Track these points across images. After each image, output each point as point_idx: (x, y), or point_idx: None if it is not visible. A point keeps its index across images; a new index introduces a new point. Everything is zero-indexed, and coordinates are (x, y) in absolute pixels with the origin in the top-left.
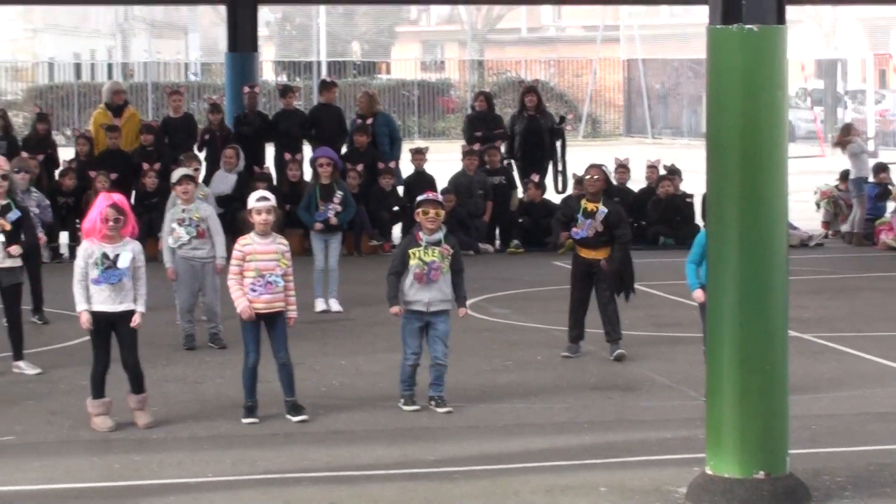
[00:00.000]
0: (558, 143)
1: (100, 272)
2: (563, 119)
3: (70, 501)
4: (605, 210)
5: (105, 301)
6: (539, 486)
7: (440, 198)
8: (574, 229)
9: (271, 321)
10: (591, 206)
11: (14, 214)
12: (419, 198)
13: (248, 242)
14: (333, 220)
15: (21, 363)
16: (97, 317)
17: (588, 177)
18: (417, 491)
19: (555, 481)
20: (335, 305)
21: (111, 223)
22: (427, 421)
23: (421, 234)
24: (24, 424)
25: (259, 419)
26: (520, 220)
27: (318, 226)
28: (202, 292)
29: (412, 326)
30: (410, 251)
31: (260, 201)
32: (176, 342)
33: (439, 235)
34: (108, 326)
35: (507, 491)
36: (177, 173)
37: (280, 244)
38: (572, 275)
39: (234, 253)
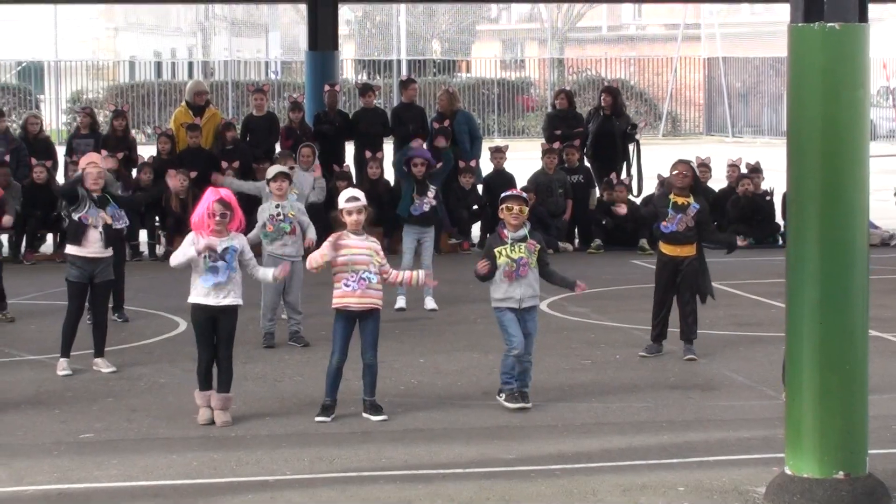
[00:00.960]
0: (632, 147)
1: (206, 267)
2: (634, 127)
3: (148, 499)
4: (698, 205)
5: (208, 295)
6: (617, 485)
7: (524, 194)
8: (663, 223)
9: (364, 320)
10: (681, 201)
11: (113, 208)
12: (503, 194)
13: (343, 237)
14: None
15: (99, 360)
16: (200, 310)
17: (676, 172)
18: (494, 490)
19: (633, 481)
20: (430, 303)
21: (218, 218)
22: (505, 419)
23: (505, 231)
24: (103, 422)
25: (332, 419)
26: (603, 222)
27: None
28: (286, 291)
29: (509, 315)
30: (496, 249)
31: (350, 201)
32: (256, 340)
33: (524, 231)
34: (210, 320)
35: (584, 490)
36: (272, 170)
37: (373, 242)
38: (657, 273)
39: (330, 237)
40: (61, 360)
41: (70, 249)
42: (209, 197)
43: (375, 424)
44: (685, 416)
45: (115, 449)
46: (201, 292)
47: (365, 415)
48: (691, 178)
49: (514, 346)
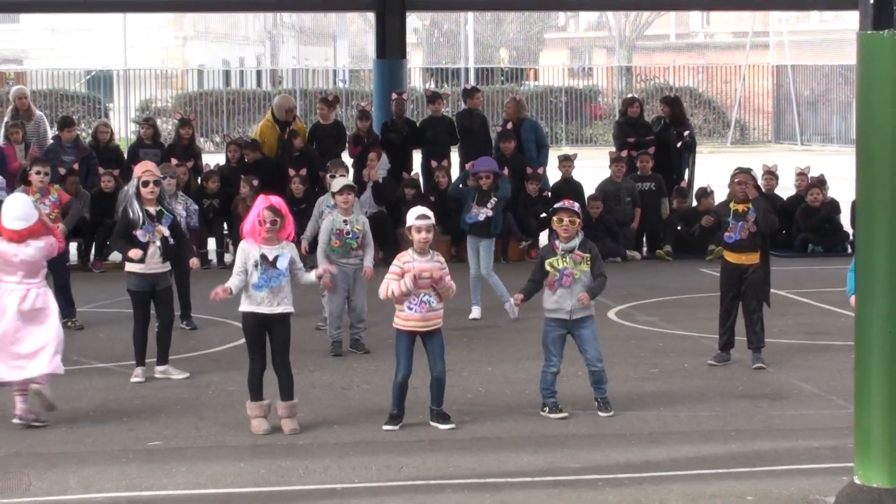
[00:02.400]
0: (688, 156)
1: (259, 275)
2: (680, 136)
3: None
4: (755, 209)
5: (262, 303)
6: (684, 494)
7: (576, 206)
8: (726, 234)
9: (428, 337)
10: (741, 208)
11: (167, 220)
12: (555, 206)
13: (407, 260)
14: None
15: (168, 367)
16: (253, 318)
17: (736, 181)
18: (561, 499)
19: (700, 490)
20: (514, 312)
21: (268, 225)
22: (573, 428)
23: (557, 242)
24: (171, 429)
25: (399, 427)
26: (678, 228)
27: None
28: (350, 298)
29: (554, 334)
30: (547, 261)
31: (420, 219)
32: (323, 348)
33: (575, 243)
34: (263, 328)
35: (652, 499)
36: (338, 183)
37: (437, 261)
38: (721, 281)
39: (393, 267)
40: (136, 368)
41: (128, 266)
42: (260, 204)
43: (443, 433)
44: (753, 425)
45: (182, 456)
46: (254, 300)
47: (432, 423)
48: (753, 187)
49: (552, 365)
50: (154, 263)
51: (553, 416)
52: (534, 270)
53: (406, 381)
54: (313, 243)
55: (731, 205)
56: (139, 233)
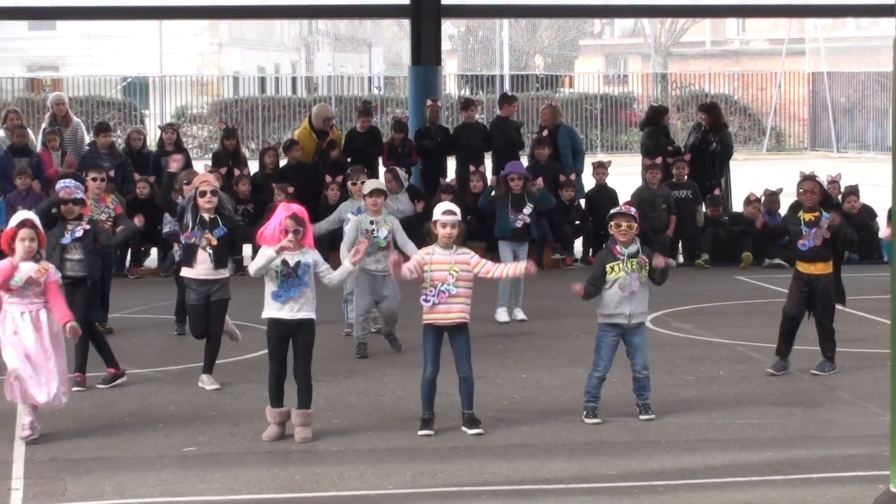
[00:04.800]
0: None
1: (279, 283)
2: (709, 144)
3: None
4: (828, 215)
5: (282, 309)
6: (720, 501)
7: (633, 210)
8: (800, 242)
9: (453, 334)
10: (811, 216)
11: (220, 231)
12: (611, 211)
13: (429, 252)
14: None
15: (204, 377)
16: (275, 324)
17: (803, 190)
18: None
19: (736, 497)
20: (520, 314)
21: (291, 234)
22: (607, 435)
23: (617, 247)
24: (206, 435)
25: (435, 431)
26: (718, 228)
27: (518, 222)
28: (381, 303)
29: (608, 339)
30: (609, 265)
31: (446, 214)
32: (368, 355)
33: (635, 247)
34: (285, 335)
35: None
36: (369, 185)
37: (462, 254)
38: (791, 288)
39: (415, 255)
40: (202, 376)
41: (183, 272)
42: (282, 213)
43: (478, 439)
44: (789, 432)
45: (217, 462)
46: (274, 307)
47: (463, 428)
48: (819, 195)
49: (599, 369)
50: (205, 269)
51: (588, 420)
52: (594, 275)
53: (434, 379)
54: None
55: (801, 214)
56: (185, 236)
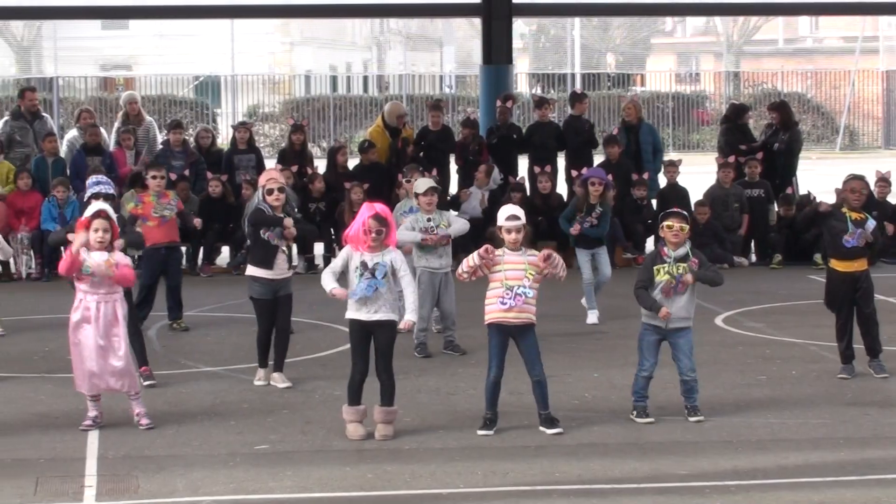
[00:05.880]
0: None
1: (358, 283)
2: (770, 146)
3: None
4: (874, 221)
5: (360, 310)
6: (793, 502)
7: (685, 212)
8: (846, 238)
9: (521, 335)
10: (858, 216)
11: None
12: (664, 212)
13: (499, 253)
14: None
15: (276, 375)
16: (355, 324)
17: (851, 189)
18: None
19: (809, 498)
20: (593, 317)
21: (374, 234)
22: (679, 435)
23: (666, 249)
24: (278, 433)
25: (495, 432)
26: (788, 227)
27: (575, 229)
28: (439, 301)
29: (650, 339)
30: (655, 267)
31: (510, 220)
32: (432, 353)
33: (685, 250)
34: (366, 334)
35: None
36: (423, 183)
37: (531, 255)
38: (833, 293)
39: (481, 249)
40: (259, 370)
41: (252, 271)
42: (365, 212)
43: (549, 438)
44: (862, 432)
45: (289, 460)
46: (353, 307)
47: (541, 428)
48: (867, 196)
49: (644, 369)
50: (281, 270)
51: (640, 420)
52: (642, 278)
53: (498, 381)
54: None
55: (846, 211)
56: (268, 235)
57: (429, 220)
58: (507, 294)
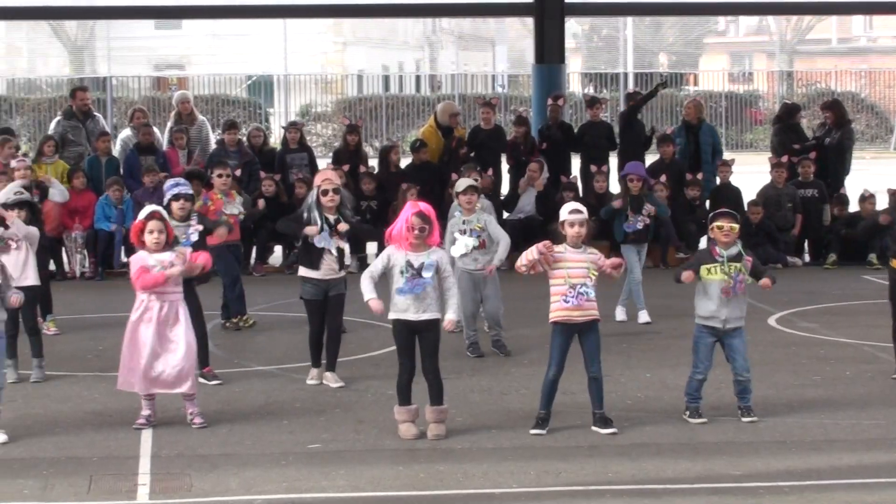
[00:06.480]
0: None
1: (404, 281)
2: (822, 142)
3: None
4: None
5: (408, 310)
6: (847, 502)
7: (733, 211)
8: None
9: (585, 332)
10: None
11: (343, 228)
12: (715, 212)
13: (560, 251)
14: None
15: (329, 375)
16: (401, 325)
17: None
18: None
19: (863, 499)
20: (644, 317)
21: (417, 232)
22: (732, 435)
23: (717, 248)
24: (330, 432)
25: (547, 431)
26: (842, 232)
27: (639, 223)
28: (483, 301)
29: (706, 342)
30: (704, 266)
31: (573, 214)
32: (484, 353)
33: (736, 249)
34: (412, 334)
35: None
36: (462, 183)
37: (591, 254)
38: (892, 293)
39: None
40: (312, 370)
41: (303, 272)
42: (408, 210)
43: (602, 438)
44: None
45: (342, 460)
46: (399, 307)
47: (594, 428)
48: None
49: (699, 372)
50: (329, 271)
51: (693, 420)
52: (688, 264)
53: (556, 380)
54: None
55: None
56: (316, 239)
57: (464, 222)
58: (570, 292)
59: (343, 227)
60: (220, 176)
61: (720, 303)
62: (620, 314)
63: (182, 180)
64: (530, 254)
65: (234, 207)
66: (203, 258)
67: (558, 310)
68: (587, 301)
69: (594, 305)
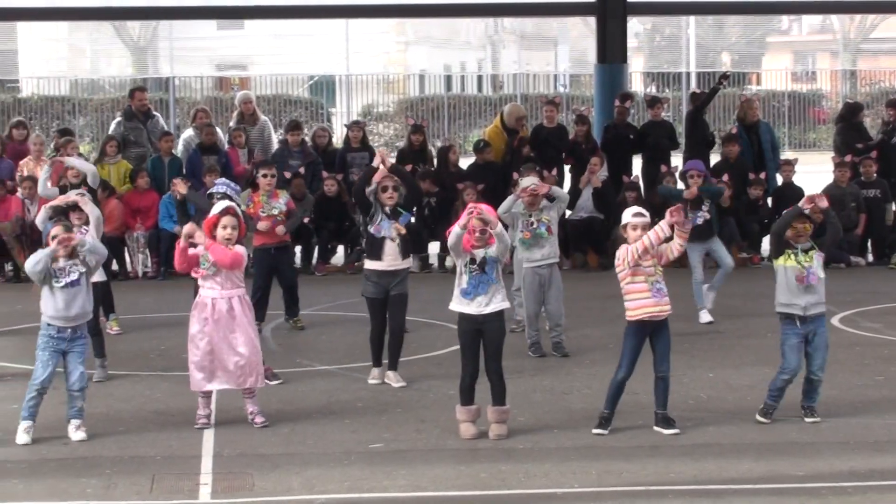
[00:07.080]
0: None
1: (468, 280)
2: (888, 140)
3: None
4: None
5: (471, 304)
6: None
7: (806, 210)
8: None
9: (658, 330)
10: None
11: (405, 218)
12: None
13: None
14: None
15: (391, 374)
16: (465, 322)
17: None
18: None
19: None
20: (706, 317)
21: (478, 234)
22: (795, 435)
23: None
24: (392, 432)
25: (609, 431)
26: None
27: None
28: (546, 300)
29: (792, 341)
30: (786, 251)
31: (636, 217)
32: (546, 352)
33: (809, 243)
34: (476, 332)
35: None
36: (527, 181)
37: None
38: None
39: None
40: (373, 369)
41: (368, 264)
42: (468, 212)
43: (663, 438)
44: None
45: (404, 459)
46: (462, 301)
47: (656, 428)
48: None
49: (786, 371)
50: (392, 261)
51: (761, 418)
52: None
53: (625, 382)
54: None
55: None
56: (374, 229)
57: (530, 215)
58: (651, 288)
59: (400, 230)
60: (264, 176)
61: (798, 290)
62: (706, 316)
63: (233, 184)
64: (660, 230)
65: (275, 208)
66: (234, 257)
67: (640, 307)
68: (665, 297)
69: (668, 301)
